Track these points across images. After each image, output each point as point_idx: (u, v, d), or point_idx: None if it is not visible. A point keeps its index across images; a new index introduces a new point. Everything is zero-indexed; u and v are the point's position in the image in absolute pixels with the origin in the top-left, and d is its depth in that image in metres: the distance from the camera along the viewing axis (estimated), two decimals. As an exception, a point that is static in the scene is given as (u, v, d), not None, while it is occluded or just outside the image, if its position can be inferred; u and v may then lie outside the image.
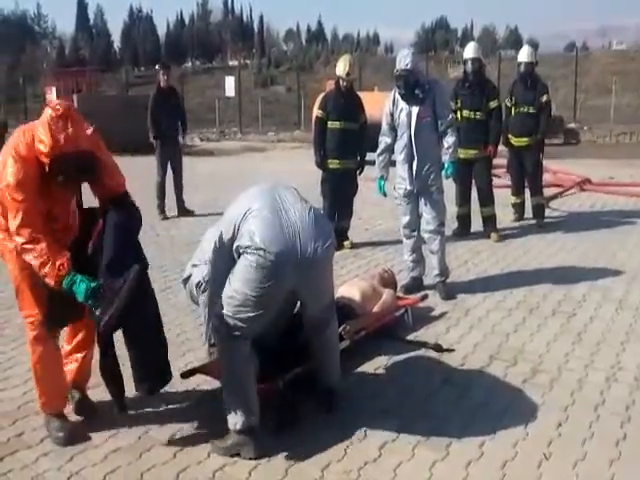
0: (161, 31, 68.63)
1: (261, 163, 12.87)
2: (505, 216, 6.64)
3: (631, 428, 2.58)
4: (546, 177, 9.28)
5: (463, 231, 6.04)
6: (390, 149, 4.37)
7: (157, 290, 4.38)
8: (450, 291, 4.27)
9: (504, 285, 4.50)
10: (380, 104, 8.90)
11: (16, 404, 2.84)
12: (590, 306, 4.04)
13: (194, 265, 2.83)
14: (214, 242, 2.46)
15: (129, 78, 33.16)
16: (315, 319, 2.63)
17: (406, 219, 4.36)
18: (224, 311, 2.41)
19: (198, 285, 2.76)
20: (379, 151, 4.41)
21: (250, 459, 2.39)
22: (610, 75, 25.20)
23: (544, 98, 6.12)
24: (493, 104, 5.65)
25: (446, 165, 4.22)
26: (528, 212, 6.61)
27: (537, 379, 3.05)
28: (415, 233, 4.36)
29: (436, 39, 62.41)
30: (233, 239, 2.38)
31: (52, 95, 15.32)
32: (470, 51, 5.70)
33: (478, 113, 5.66)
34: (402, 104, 4.18)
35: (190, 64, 57.01)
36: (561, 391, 2.92)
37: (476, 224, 6.06)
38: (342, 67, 5.32)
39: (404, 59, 4.06)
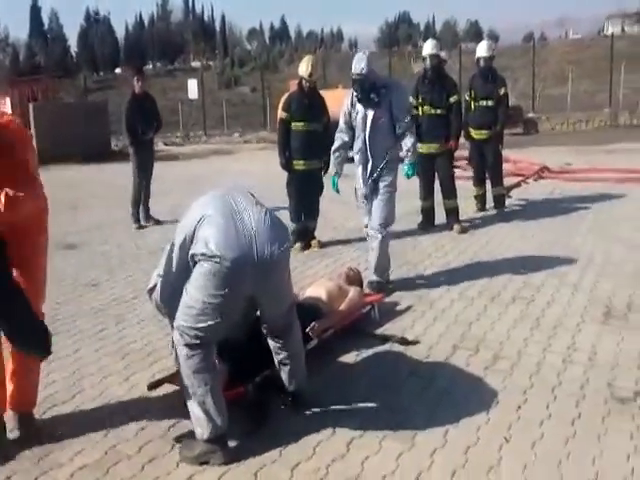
0: (120, 34, 67.43)
1: (228, 165, 12.83)
2: (468, 207, 6.81)
3: (585, 406, 2.72)
4: (507, 167, 9.55)
5: (427, 224, 6.17)
6: (346, 146, 4.45)
7: (123, 300, 4.45)
8: (381, 289, 4.22)
9: (467, 275, 4.64)
10: (341, 102, 8.91)
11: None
12: (548, 291, 4.20)
13: (159, 275, 2.83)
14: (168, 252, 2.45)
15: (87, 83, 32.52)
16: (275, 324, 2.64)
17: (366, 220, 4.44)
18: (183, 322, 2.41)
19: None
20: (335, 148, 4.50)
21: (220, 465, 2.42)
22: (567, 64, 25.87)
23: (502, 91, 6.30)
24: (453, 99, 5.78)
25: (406, 167, 4.30)
26: (490, 202, 6.80)
27: (498, 365, 3.17)
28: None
29: (399, 34, 62.97)
30: (187, 248, 2.39)
31: (6, 106, 14.90)
32: (428, 48, 5.81)
33: (439, 109, 5.79)
34: (359, 106, 4.26)
35: (151, 66, 56.14)
36: (520, 375, 3.04)
37: (440, 217, 6.21)
38: (305, 67, 5.35)
39: (359, 63, 4.12)
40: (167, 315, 2.65)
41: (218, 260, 2.29)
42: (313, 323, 3.24)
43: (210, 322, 2.38)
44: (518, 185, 8.25)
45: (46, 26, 67.01)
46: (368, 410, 2.79)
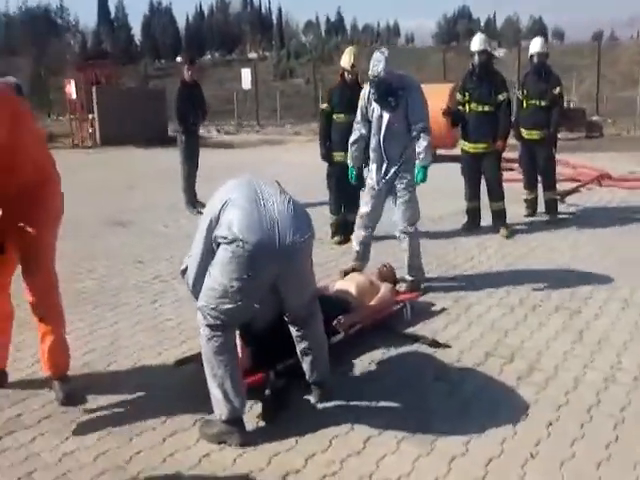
0: (181, 24, 68.99)
1: (277, 155, 12.89)
2: (517, 211, 6.55)
3: (624, 431, 2.54)
4: (565, 171, 9.15)
5: (472, 226, 5.98)
6: (364, 139, 4.34)
7: (163, 279, 4.54)
8: (415, 288, 4.14)
9: (509, 281, 4.45)
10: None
11: (19, 386, 2.92)
12: (595, 304, 3.97)
13: (189, 257, 2.84)
14: (197, 234, 2.47)
15: (148, 70, 33.44)
16: (297, 314, 2.63)
17: (365, 210, 4.32)
18: (205, 303, 2.42)
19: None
20: (352, 140, 4.41)
21: (236, 446, 2.41)
22: (637, 66, 24.58)
23: (557, 90, 6.00)
24: (502, 97, 5.55)
25: (417, 170, 4.14)
26: (541, 207, 6.52)
27: (533, 377, 3.01)
28: (369, 229, 4.33)
29: (458, 29, 61.54)
30: (212, 230, 2.39)
31: (71, 88, 15.53)
32: (477, 43, 5.60)
33: (486, 106, 5.57)
34: (375, 105, 4.14)
35: (209, 56, 57.19)
36: (556, 390, 2.88)
37: (487, 219, 5.99)
38: (347, 59, 5.29)
39: (376, 65, 3.95)
40: (195, 296, 2.66)
41: (240, 244, 2.29)
42: (340, 317, 3.18)
43: (230, 305, 2.38)
44: (575, 191, 7.86)
45: (112, 15, 69.32)
46: (389, 409, 2.71)
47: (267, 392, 2.66)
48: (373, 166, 4.23)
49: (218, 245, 2.37)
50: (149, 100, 15.60)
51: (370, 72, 4.00)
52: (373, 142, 4.20)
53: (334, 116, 5.40)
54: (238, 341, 2.81)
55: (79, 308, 3.94)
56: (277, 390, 2.69)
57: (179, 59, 54.87)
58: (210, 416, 2.54)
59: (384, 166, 4.17)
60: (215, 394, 2.45)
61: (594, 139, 14.90)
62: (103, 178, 10.01)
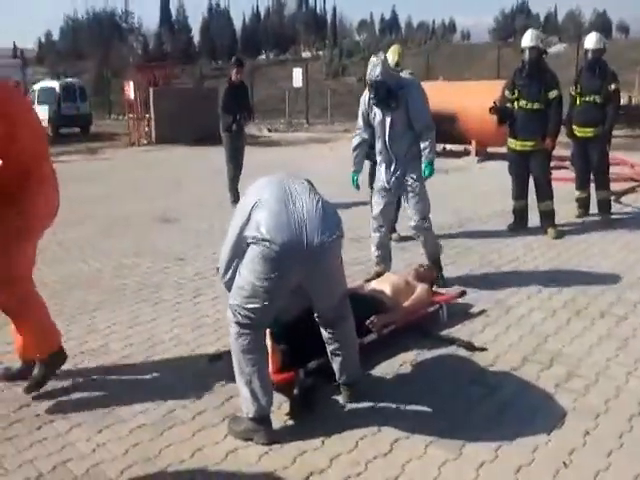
0: (238, 25, 70.18)
1: (322, 153, 12.95)
2: (569, 211, 6.32)
3: (666, 442, 2.41)
4: (624, 171, 8.74)
5: (519, 226, 5.81)
6: (366, 144, 4.34)
7: (204, 275, 4.65)
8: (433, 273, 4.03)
9: (553, 284, 4.30)
10: (440, 94, 8.63)
11: (61, 377, 3.04)
12: (645, 310, 3.78)
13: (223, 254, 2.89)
14: (229, 232, 2.52)
15: (205, 71, 34.19)
16: (327, 315, 2.63)
17: (377, 210, 4.31)
18: (234, 301, 2.47)
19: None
20: (354, 145, 4.39)
21: (262, 444, 2.45)
22: None
23: (612, 87, 5.74)
24: (552, 94, 5.35)
25: (423, 167, 4.10)
26: (594, 208, 6.26)
27: (571, 384, 2.90)
28: (384, 229, 4.30)
29: (516, 25, 59.62)
30: (243, 229, 2.43)
31: (129, 89, 16.14)
32: (527, 39, 5.42)
33: (536, 103, 5.39)
34: (376, 109, 4.10)
35: (264, 56, 57.95)
36: (595, 398, 2.76)
37: (535, 219, 5.81)
38: (391, 57, 5.24)
39: (374, 70, 3.87)
40: (229, 291, 2.71)
41: (268, 244, 2.31)
42: (373, 317, 3.17)
43: (259, 304, 2.41)
44: (631, 191, 7.51)
45: (174, 17, 71.33)
46: (419, 412, 2.68)
47: (296, 391, 2.68)
48: (382, 167, 4.24)
49: (248, 245, 2.40)
50: (202, 100, 15.96)
51: (368, 77, 3.95)
52: (379, 145, 4.21)
53: None
54: (268, 339, 2.85)
55: (120, 304, 4.11)
56: (306, 389, 2.71)
57: (233, 61, 55.93)
58: (238, 413, 2.58)
59: (392, 165, 4.19)
60: (243, 392, 2.48)
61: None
62: (154, 176, 10.35)
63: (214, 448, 2.45)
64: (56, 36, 68.87)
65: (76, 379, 3.04)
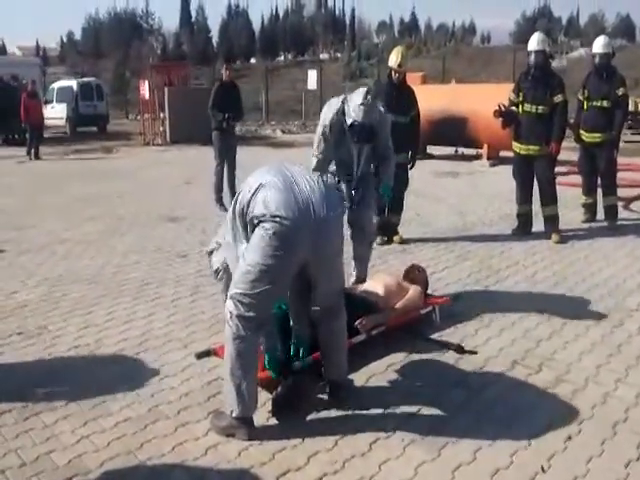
0: (257, 26, 70.50)
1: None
2: (576, 217, 6.26)
3: (649, 450, 2.39)
4: (635, 176, 8.62)
5: (522, 231, 5.77)
6: (327, 163, 3.99)
7: (204, 273, 4.68)
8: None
9: (552, 289, 4.27)
10: (451, 97, 8.63)
11: (53, 370, 3.12)
12: (641, 317, 3.73)
13: (217, 242, 2.90)
14: (227, 220, 2.58)
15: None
16: (326, 302, 2.66)
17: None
18: (237, 289, 2.46)
19: (216, 272, 2.87)
20: (314, 167, 3.91)
21: (243, 440, 2.48)
22: None
23: (620, 91, 5.68)
24: (557, 99, 5.31)
25: (383, 188, 4.01)
26: (601, 214, 6.19)
27: (559, 389, 2.88)
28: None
29: (537, 28, 59.08)
30: (244, 215, 2.47)
31: (144, 88, 16.33)
32: (534, 43, 5.39)
33: (540, 107, 5.35)
34: (352, 144, 3.85)
35: (282, 57, 58.18)
36: (582, 404, 2.74)
37: (540, 224, 5.76)
38: (394, 58, 5.27)
39: (357, 114, 3.57)
40: (222, 282, 2.77)
41: (278, 220, 2.35)
42: (362, 317, 3.18)
43: (265, 286, 2.41)
44: (640, 197, 7.41)
45: (193, 18, 71.92)
46: (401, 413, 2.68)
47: (279, 389, 2.70)
48: (342, 184, 4.04)
49: (254, 227, 2.43)
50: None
51: (354, 116, 3.60)
52: (342, 166, 4.00)
53: None
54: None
55: (119, 299, 4.17)
56: (290, 388, 2.72)
57: (253, 60, 56.38)
58: (221, 409, 2.61)
59: (354, 183, 4.03)
60: (229, 390, 2.50)
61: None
62: (165, 175, 10.47)
63: (195, 443, 2.48)
64: (78, 36, 69.86)
65: (67, 373, 3.09)
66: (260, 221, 2.39)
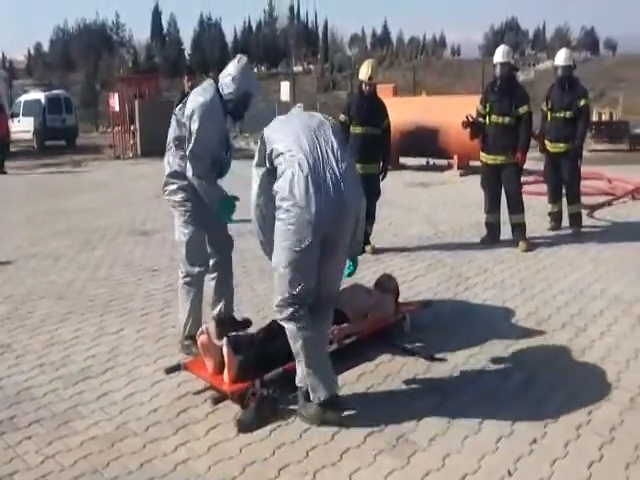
0: (229, 38, 70.66)
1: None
2: (542, 225, 6.41)
3: (610, 451, 2.45)
4: (599, 185, 8.86)
5: (491, 239, 5.87)
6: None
7: (175, 287, 4.63)
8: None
9: (518, 295, 4.35)
10: (422, 109, 8.67)
11: (16, 390, 3.06)
12: (604, 321, 3.83)
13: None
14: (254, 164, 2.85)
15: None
16: (327, 293, 2.75)
17: None
18: (281, 295, 2.64)
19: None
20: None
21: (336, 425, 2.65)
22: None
23: (582, 102, 5.86)
24: (522, 110, 5.45)
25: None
26: (566, 221, 6.35)
27: (527, 393, 2.94)
28: None
29: (505, 41, 60.61)
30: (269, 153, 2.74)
31: (114, 101, 16.16)
32: (499, 55, 5.54)
33: (507, 118, 5.49)
34: None
35: (256, 69, 58.36)
36: (548, 407, 2.80)
37: (507, 233, 5.88)
38: (365, 71, 5.34)
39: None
40: (265, 249, 2.87)
41: (298, 211, 2.54)
42: (334, 327, 3.19)
43: (301, 273, 2.60)
44: (605, 205, 7.62)
45: (165, 30, 71.70)
46: (372, 422, 2.69)
47: (248, 401, 2.70)
48: None
49: (271, 163, 2.73)
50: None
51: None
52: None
53: (351, 128, 5.43)
54: (225, 350, 2.87)
55: (88, 314, 4.11)
56: (260, 400, 2.72)
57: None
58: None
59: None
60: (312, 381, 2.67)
61: (638, 152, 14.36)
62: (136, 188, 10.34)
63: (164, 459, 2.45)
64: (46, 47, 69.00)
65: (31, 391, 3.03)
66: (284, 205, 2.55)
